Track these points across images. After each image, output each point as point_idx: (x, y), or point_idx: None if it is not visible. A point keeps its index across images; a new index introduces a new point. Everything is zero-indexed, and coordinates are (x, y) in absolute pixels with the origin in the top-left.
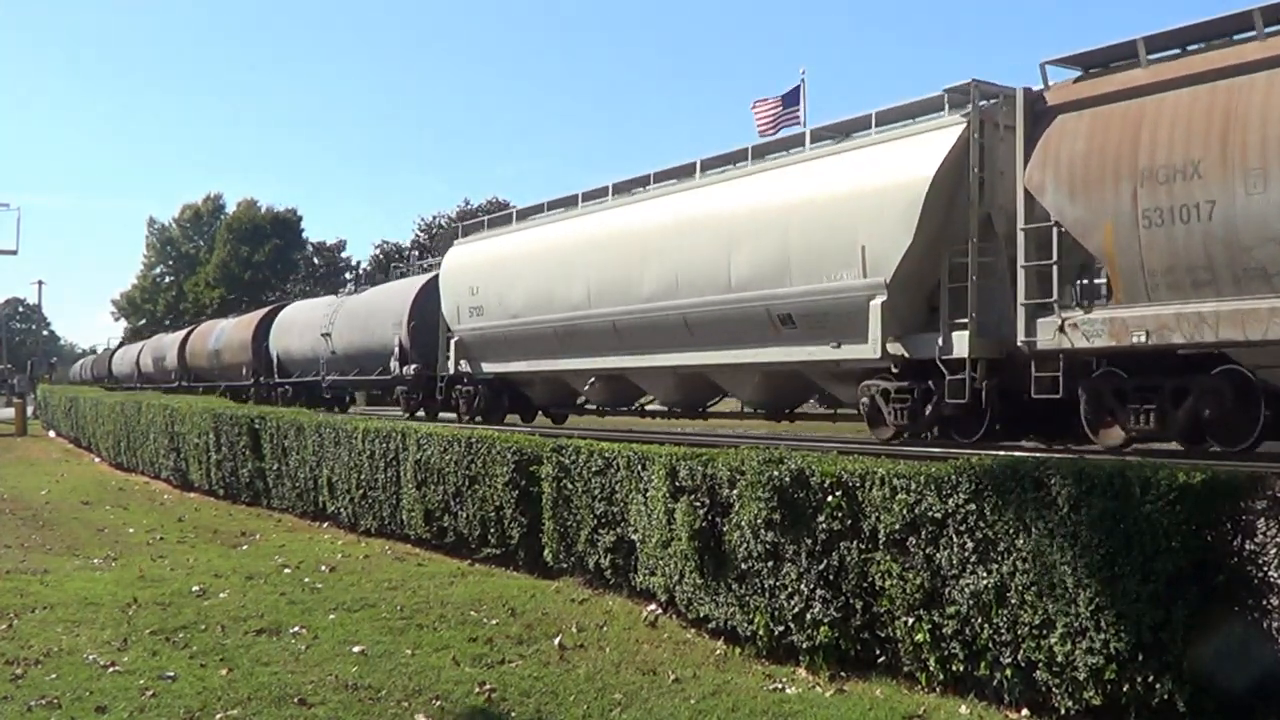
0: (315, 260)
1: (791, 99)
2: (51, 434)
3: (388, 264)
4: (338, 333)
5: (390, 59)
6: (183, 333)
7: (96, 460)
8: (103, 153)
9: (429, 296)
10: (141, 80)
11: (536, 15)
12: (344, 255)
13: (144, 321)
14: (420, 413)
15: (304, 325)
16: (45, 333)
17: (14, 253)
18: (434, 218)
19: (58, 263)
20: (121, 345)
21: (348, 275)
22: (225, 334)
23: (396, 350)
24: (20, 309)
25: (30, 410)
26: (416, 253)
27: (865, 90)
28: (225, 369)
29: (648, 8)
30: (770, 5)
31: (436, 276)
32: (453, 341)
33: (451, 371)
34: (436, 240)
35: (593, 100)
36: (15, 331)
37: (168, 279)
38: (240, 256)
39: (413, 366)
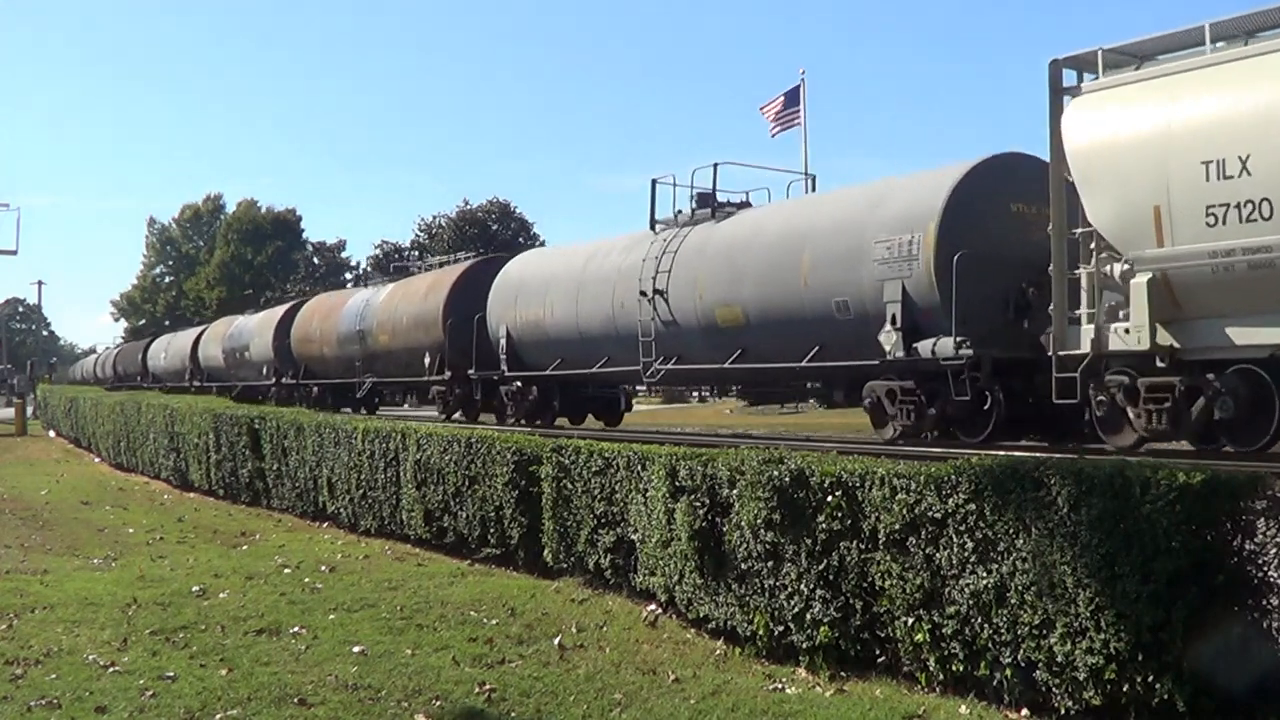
0: (315, 260)
1: (792, 99)
2: (51, 434)
3: (388, 264)
4: (683, 286)
5: (390, 59)
6: (281, 310)
7: (96, 460)
8: (103, 153)
9: (985, 198)
10: (142, 80)
11: (536, 15)
12: (344, 255)
13: (144, 321)
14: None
15: (583, 283)
16: (45, 333)
17: (14, 253)
18: (434, 218)
19: (58, 263)
20: (157, 335)
21: (347, 275)
22: (375, 308)
23: (896, 313)
24: (20, 309)
25: (30, 410)
26: (416, 253)
27: (865, 90)
28: (379, 359)
29: (648, 8)
30: (770, 6)
31: (999, 159)
32: (1143, 283)
33: (1145, 346)
34: (435, 240)
35: (592, 101)
36: (15, 331)
37: (168, 279)
38: (243, 258)
39: (950, 341)
